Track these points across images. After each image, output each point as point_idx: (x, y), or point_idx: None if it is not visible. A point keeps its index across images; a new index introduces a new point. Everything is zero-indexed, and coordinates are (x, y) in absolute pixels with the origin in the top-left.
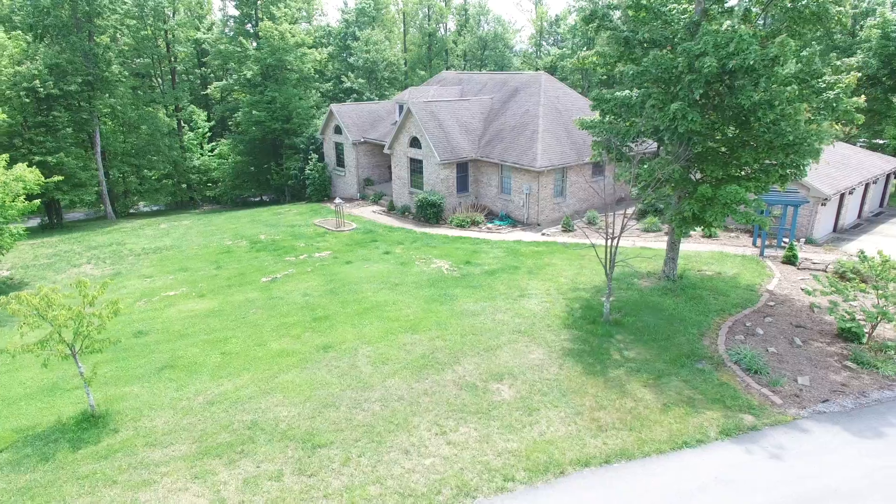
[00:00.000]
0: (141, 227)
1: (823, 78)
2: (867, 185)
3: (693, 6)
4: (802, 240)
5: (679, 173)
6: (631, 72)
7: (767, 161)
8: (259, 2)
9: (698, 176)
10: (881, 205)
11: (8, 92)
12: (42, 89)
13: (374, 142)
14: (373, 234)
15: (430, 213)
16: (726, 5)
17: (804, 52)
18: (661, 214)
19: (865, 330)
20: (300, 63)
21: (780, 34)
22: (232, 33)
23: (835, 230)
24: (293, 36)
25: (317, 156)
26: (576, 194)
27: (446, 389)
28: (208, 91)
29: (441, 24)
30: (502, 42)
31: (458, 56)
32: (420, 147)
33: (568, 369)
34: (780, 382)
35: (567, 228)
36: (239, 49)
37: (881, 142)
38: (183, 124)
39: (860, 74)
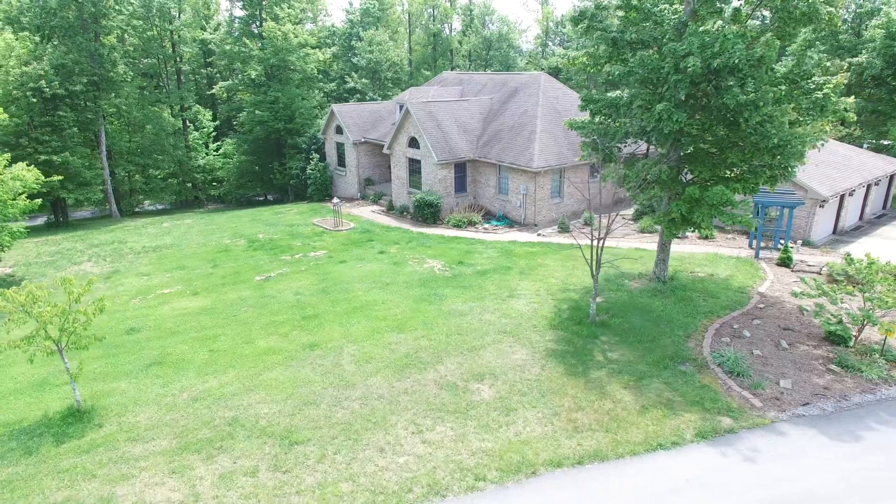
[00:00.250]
0: (144, 225)
1: (813, 79)
2: (869, 187)
3: (683, 6)
4: (799, 242)
5: (667, 174)
6: (617, 72)
7: (756, 162)
8: (264, 2)
9: (689, 177)
10: (884, 207)
11: (15, 92)
12: (48, 89)
13: (375, 142)
14: (369, 234)
15: (427, 213)
16: (717, 5)
17: (788, 51)
18: (653, 215)
19: (853, 333)
20: (303, 63)
21: (770, 34)
22: (237, 34)
23: (835, 232)
24: (296, 36)
25: (318, 156)
26: (573, 195)
27: (427, 389)
28: (214, 91)
29: (446, 24)
30: (507, 42)
31: (463, 56)
32: (418, 147)
33: (550, 370)
34: (762, 385)
35: (563, 229)
36: (244, 49)
37: (887, 143)
38: (188, 124)
39: (849, 74)
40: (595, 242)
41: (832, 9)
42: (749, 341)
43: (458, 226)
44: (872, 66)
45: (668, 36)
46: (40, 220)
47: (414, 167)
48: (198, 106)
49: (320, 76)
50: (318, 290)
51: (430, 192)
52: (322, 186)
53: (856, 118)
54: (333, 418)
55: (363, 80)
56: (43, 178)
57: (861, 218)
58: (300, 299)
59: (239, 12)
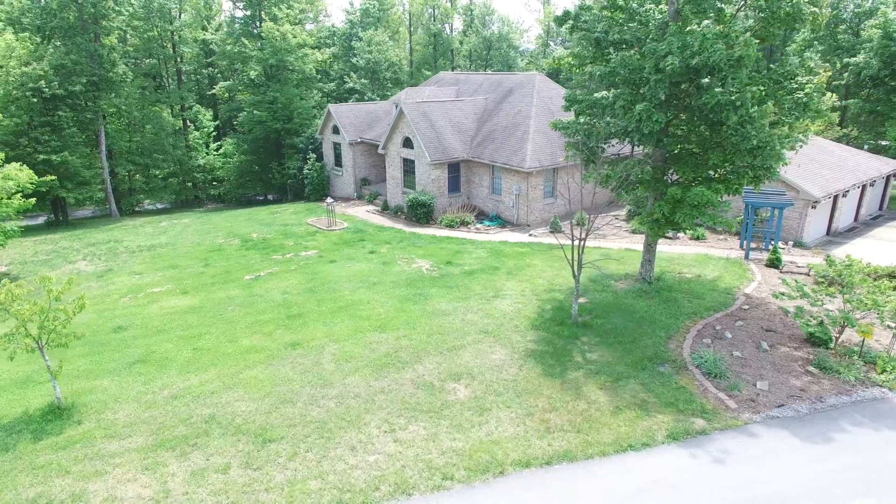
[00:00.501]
0: (142, 224)
1: (797, 79)
2: (864, 188)
3: (668, 6)
4: (791, 243)
5: (650, 174)
6: (598, 72)
7: (738, 163)
8: (264, 2)
9: (675, 177)
10: (881, 208)
11: (15, 92)
12: (47, 90)
13: (371, 142)
14: (362, 234)
15: (420, 213)
16: (701, 5)
17: (787, 51)
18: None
19: (833, 334)
20: (301, 63)
21: (757, 34)
22: (236, 34)
23: (828, 233)
24: (294, 37)
25: (315, 155)
26: (566, 195)
27: (403, 388)
28: (215, 91)
29: (447, 25)
30: (507, 42)
31: (463, 56)
32: (412, 147)
33: (527, 370)
34: (739, 387)
35: (555, 229)
36: (243, 50)
37: (885, 143)
38: (189, 123)
39: (830, 73)
40: (577, 242)
41: (816, 9)
42: (730, 343)
43: (450, 226)
44: (869, 66)
45: (651, 36)
46: (41, 220)
47: (408, 167)
48: (198, 106)
49: (320, 76)
50: (306, 289)
51: (423, 192)
52: (319, 186)
53: (838, 119)
54: (308, 416)
55: (362, 80)
56: (36, 177)
57: (856, 219)
58: (287, 298)
59: (239, 13)
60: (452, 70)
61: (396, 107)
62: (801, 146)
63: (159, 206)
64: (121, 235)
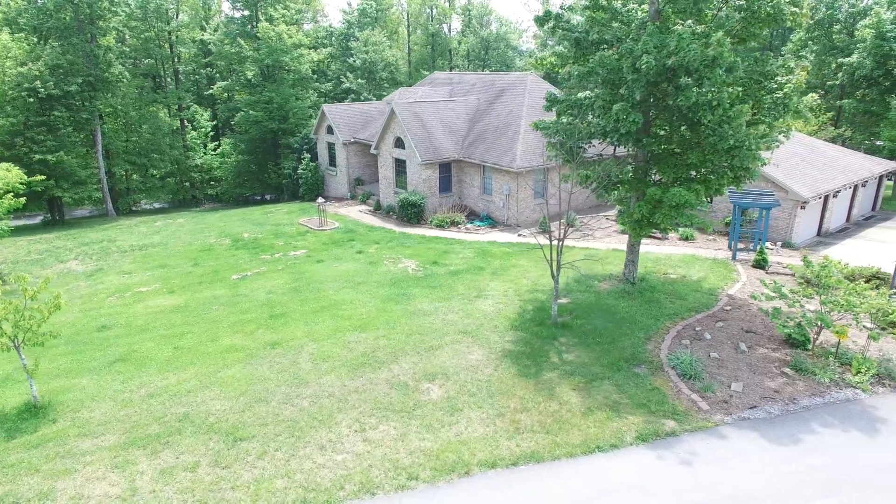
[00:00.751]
0: (137, 224)
1: (776, 78)
2: (855, 188)
3: (648, 6)
4: (780, 243)
5: (630, 174)
6: (576, 72)
7: (716, 163)
8: (260, 2)
9: (658, 178)
10: (873, 208)
11: (11, 92)
12: (43, 90)
13: (365, 142)
14: (352, 234)
15: (410, 213)
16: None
17: (784, 50)
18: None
19: (811, 336)
20: (297, 64)
21: (738, 35)
22: (233, 35)
23: (819, 234)
24: (290, 37)
25: (310, 155)
26: (556, 195)
27: (377, 388)
28: (212, 91)
29: (445, 24)
30: (504, 42)
31: (461, 56)
32: (404, 147)
33: (502, 371)
34: (713, 388)
35: (544, 229)
36: (240, 50)
37: (879, 143)
38: (186, 123)
39: (808, 72)
40: (555, 243)
41: (797, 9)
42: (709, 344)
43: (440, 226)
44: (863, 66)
45: (631, 36)
46: (38, 219)
47: (400, 167)
48: (195, 106)
49: (317, 77)
50: (291, 289)
51: (413, 192)
52: (313, 186)
53: (815, 118)
54: (281, 416)
55: (359, 80)
56: (26, 177)
57: (848, 220)
58: (271, 298)
59: (237, 13)
60: (451, 70)
61: (389, 107)
62: (777, 146)
63: (156, 205)
64: (115, 235)
